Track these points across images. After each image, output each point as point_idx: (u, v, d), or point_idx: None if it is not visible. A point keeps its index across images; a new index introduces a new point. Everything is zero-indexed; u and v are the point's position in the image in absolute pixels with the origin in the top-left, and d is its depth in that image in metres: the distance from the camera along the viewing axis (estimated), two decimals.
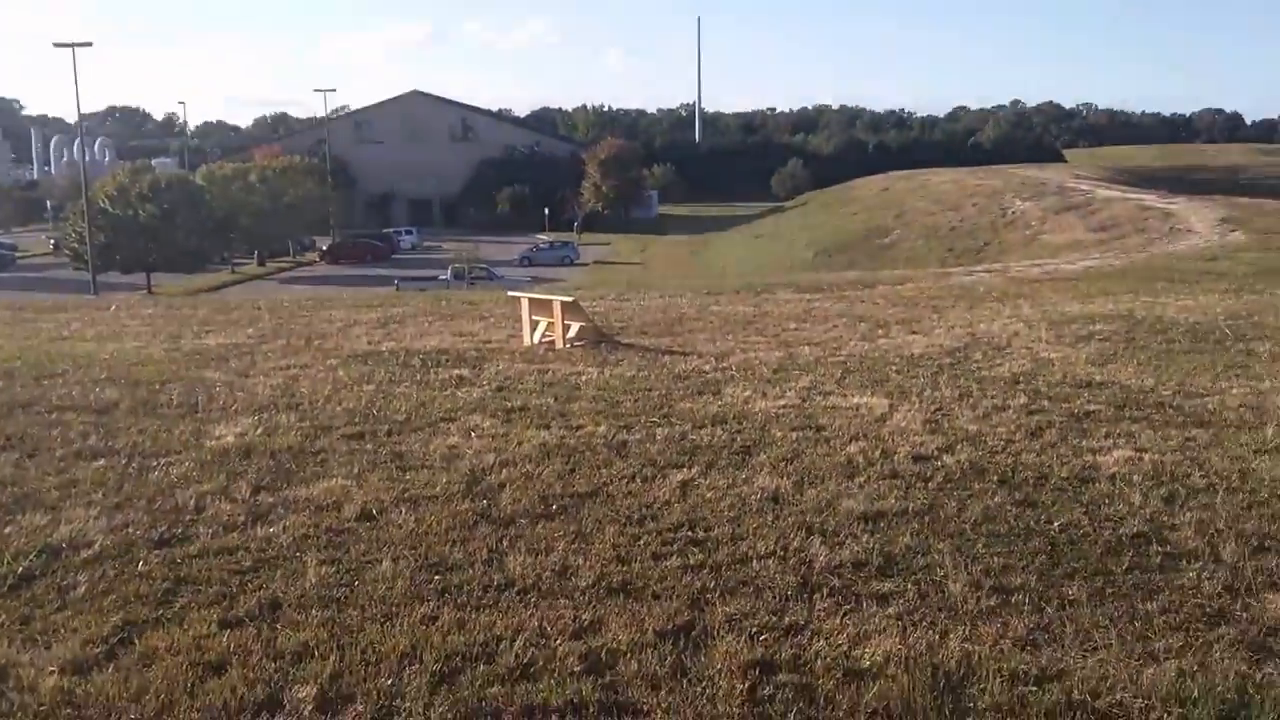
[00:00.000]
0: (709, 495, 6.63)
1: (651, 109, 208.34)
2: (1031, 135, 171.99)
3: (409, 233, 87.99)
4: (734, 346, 12.46)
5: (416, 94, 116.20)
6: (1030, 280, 19.48)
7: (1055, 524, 5.98)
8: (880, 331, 13.68)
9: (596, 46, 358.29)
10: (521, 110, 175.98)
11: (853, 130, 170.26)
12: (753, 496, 6.59)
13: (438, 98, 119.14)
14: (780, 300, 18.02)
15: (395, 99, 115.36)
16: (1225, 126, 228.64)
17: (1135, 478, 6.76)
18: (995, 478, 6.84)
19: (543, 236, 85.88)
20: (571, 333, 12.72)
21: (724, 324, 14.63)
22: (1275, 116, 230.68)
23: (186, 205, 58.30)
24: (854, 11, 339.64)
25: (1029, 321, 14.02)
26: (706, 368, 11.01)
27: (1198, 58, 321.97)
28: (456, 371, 11.01)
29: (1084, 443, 7.67)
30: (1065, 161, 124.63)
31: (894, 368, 10.85)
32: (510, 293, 15.88)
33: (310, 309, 18.24)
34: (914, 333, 13.47)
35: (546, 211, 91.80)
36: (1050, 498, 6.46)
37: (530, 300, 13.29)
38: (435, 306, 17.87)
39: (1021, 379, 10.09)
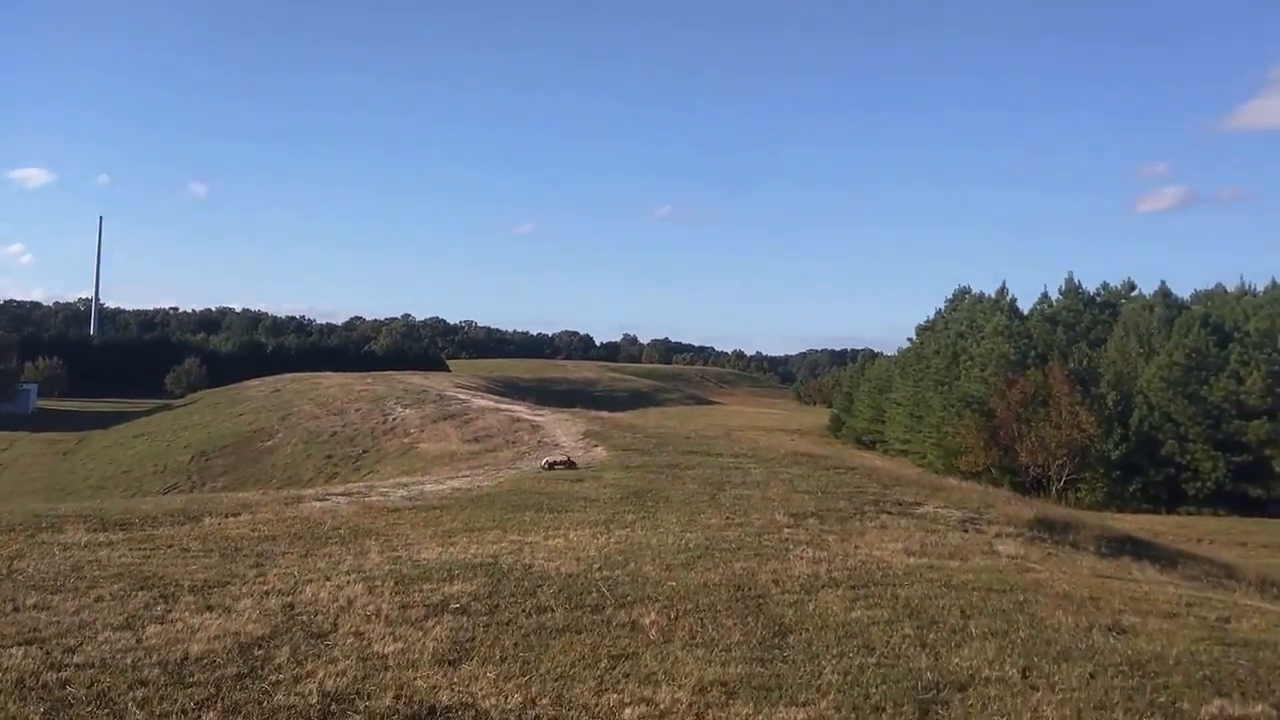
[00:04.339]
0: None
1: (49, 302, 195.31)
2: (419, 345, 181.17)
3: None
4: None
5: None
6: (390, 509, 16.40)
7: None
8: (162, 606, 9.44)
9: None
10: None
11: (254, 333, 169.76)
12: None
13: None
14: (57, 545, 12.93)
15: None
16: (579, 346, 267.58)
17: None
18: None
19: None
20: None
21: None
22: (618, 339, 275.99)
23: None
24: (256, 219, 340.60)
25: (372, 579, 10.70)
26: None
27: (551, 294, 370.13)
28: None
29: None
30: (449, 370, 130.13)
31: (137, 697, 6.77)
32: None
33: None
34: (209, 608, 9.42)
35: None
36: None
37: None
38: None
39: (335, 708, 6.60)
